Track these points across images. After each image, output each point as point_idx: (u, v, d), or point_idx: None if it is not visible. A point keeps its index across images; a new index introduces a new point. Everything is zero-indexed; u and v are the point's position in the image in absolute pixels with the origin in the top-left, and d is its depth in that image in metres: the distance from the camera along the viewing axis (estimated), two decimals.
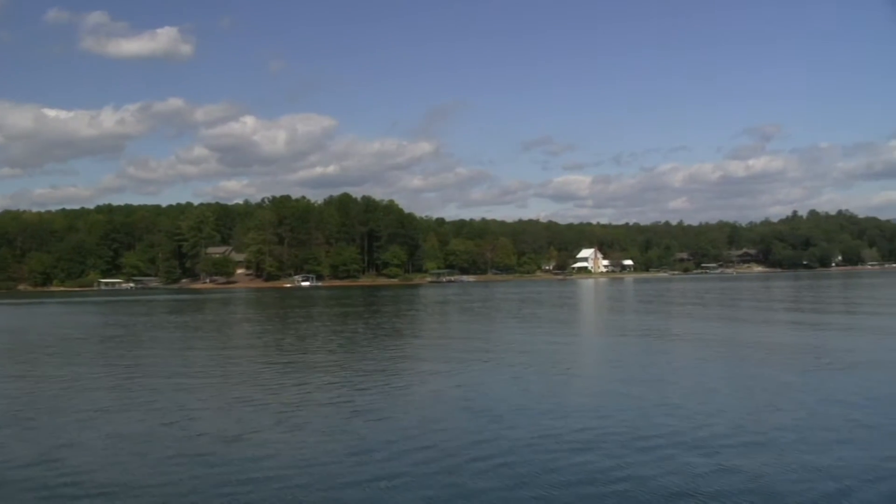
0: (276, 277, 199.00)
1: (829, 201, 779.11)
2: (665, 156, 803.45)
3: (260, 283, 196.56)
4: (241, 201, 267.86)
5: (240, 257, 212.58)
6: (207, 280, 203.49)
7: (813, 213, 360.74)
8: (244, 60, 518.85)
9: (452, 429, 17.20)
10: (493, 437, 16.23)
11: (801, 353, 31.00)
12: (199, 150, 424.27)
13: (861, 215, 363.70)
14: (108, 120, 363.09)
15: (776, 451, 14.71)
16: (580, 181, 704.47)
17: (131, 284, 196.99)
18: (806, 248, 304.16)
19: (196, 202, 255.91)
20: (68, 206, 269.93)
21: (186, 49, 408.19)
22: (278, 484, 13.23)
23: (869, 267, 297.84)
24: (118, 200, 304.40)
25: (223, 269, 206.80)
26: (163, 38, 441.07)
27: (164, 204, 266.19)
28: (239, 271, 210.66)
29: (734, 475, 13.20)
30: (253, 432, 17.45)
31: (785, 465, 13.73)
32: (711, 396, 20.68)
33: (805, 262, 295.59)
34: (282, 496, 12.65)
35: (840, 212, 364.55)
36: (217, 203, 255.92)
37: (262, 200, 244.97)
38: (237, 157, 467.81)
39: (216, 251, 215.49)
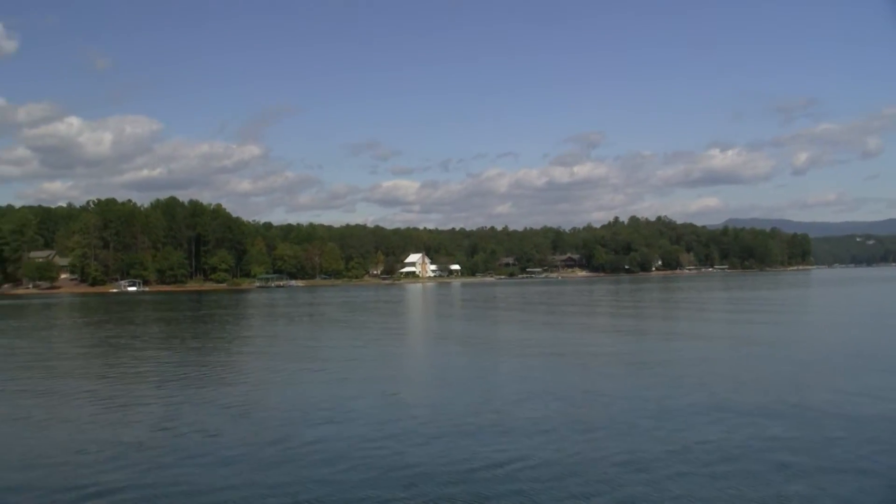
0: (102, 282, 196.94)
1: (649, 207, 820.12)
2: (492, 161, 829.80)
3: (85, 289, 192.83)
4: (64, 204, 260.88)
5: (64, 262, 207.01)
6: (30, 285, 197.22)
7: (633, 218, 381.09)
8: (70, 59, 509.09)
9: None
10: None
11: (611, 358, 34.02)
12: (20, 151, 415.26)
13: (679, 221, 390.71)
14: None
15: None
16: (408, 186, 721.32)
17: None
18: (627, 252, 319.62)
19: (17, 205, 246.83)
20: None
21: (10, 45, 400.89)
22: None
23: (687, 271, 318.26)
24: None
25: (46, 273, 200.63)
26: None
27: None
28: (63, 276, 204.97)
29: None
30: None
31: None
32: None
33: (627, 267, 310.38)
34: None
35: (659, 218, 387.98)
36: (39, 206, 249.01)
37: (87, 203, 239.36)
38: (60, 158, 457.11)
39: (39, 255, 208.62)
